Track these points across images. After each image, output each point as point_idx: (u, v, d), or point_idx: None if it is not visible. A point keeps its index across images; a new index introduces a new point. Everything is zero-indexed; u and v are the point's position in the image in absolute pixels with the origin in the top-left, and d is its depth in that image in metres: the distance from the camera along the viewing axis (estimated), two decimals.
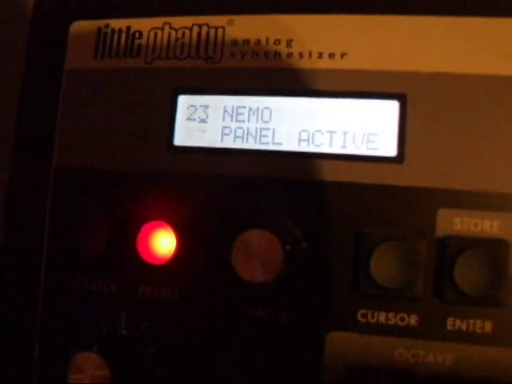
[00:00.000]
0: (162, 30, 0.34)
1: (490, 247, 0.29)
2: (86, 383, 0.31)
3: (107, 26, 0.35)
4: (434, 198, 0.29)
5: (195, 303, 0.32)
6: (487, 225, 0.31)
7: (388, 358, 0.32)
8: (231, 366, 0.32)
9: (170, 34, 0.33)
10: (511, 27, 0.30)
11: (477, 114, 0.29)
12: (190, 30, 0.34)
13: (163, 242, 0.33)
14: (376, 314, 0.31)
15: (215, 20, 0.33)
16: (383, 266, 0.31)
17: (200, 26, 0.34)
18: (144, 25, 0.34)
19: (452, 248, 0.31)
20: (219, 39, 0.33)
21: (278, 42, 0.33)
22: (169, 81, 0.33)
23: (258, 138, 0.32)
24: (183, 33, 0.34)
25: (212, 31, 0.33)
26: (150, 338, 0.34)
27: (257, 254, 0.28)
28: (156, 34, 0.33)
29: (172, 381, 0.34)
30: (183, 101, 0.32)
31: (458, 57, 0.31)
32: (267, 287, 0.30)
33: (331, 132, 0.32)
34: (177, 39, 0.34)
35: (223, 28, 0.33)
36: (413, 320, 0.32)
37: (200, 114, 0.33)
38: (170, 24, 0.34)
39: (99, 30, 0.35)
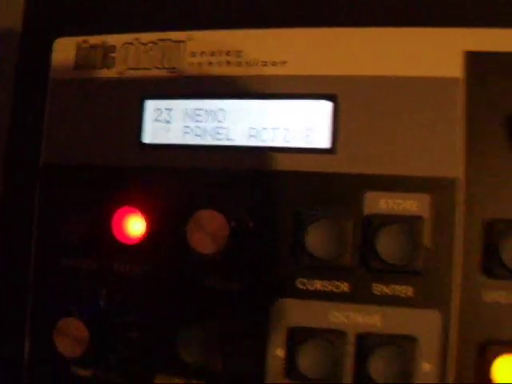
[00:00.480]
0: (133, 44, 0.37)
1: (408, 222, 0.32)
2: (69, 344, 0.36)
3: (85, 41, 0.38)
4: (362, 183, 0.33)
5: (162, 276, 0.35)
6: (406, 204, 0.36)
7: (324, 319, 0.37)
8: (191, 331, 0.37)
9: (139, 48, 0.36)
10: (414, 34, 0.37)
11: (394, 110, 0.33)
12: (156, 44, 0.37)
13: (134, 225, 0.36)
14: (312, 282, 0.36)
15: (177, 35, 0.36)
16: (317, 241, 0.36)
17: (164, 41, 0.37)
18: (117, 40, 0.37)
19: (375, 224, 0.34)
20: (180, 52, 0.37)
21: (229, 53, 0.36)
22: (138, 88, 0.36)
23: (213, 135, 0.35)
24: (150, 47, 0.37)
25: (174, 45, 0.37)
26: (124, 307, 0.38)
27: (206, 230, 0.31)
28: (127, 48, 0.37)
29: (142, 344, 0.39)
30: (150, 105, 0.36)
31: (378, 61, 0.35)
32: (217, 257, 0.34)
33: (275, 128, 0.35)
34: (145, 52, 0.37)
35: (184, 42, 0.38)
36: (344, 287, 0.35)
37: (165, 116, 0.36)
38: (139, 39, 0.37)
39: (78, 45, 0.39)
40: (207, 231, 0.32)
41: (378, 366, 0.33)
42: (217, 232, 0.32)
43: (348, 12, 0.35)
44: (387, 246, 0.33)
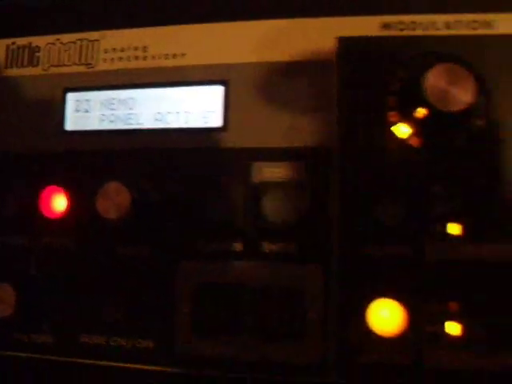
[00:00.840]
0: (55, 44, 0.41)
1: (288, 187, 0.36)
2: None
3: (13, 43, 0.42)
4: (250, 155, 0.36)
5: (81, 246, 0.38)
6: (287, 171, 0.40)
7: (222, 276, 0.41)
8: (108, 295, 0.41)
9: (60, 48, 0.40)
10: (291, 25, 0.41)
11: (276, 91, 0.37)
12: (75, 43, 0.41)
13: (58, 202, 0.43)
14: (210, 244, 0.39)
15: (92, 35, 0.40)
16: (214, 207, 0.41)
17: (81, 40, 0.41)
18: (41, 41, 0.40)
19: (261, 190, 0.37)
20: (95, 49, 0.41)
21: (136, 48, 0.41)
22: (60, 82, 0.40)
23: (125, 120, 0.38)
24: (70, 46, 0.40)
25: (90, 44, 0.41)
26: (52, 275, 0.43)
27: (112, 199, 0.35)
28: (50, 47, 0.40)
29: (69, 308, 0.43)
30: (71, 97, 0.40)
31: (262, 50, 0.38)
32: (122, 224, 0.38)
33: (177, 112, 0.39)
34: (65, 51, 0.41)
35: (98, 41, 0.41)
36: (239, 246, 0.40)
37: (84, 106, 0.39)
38: (60, 40, 0.40)
39: (7, 46, 0.44)
40: (113, 201, 0.37)
41: (270, 315, 0.38)
42: (120, 201, 0.36)
43: (235, 7, 0.40)
44: (272, 208, 0.38)
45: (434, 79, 0.32)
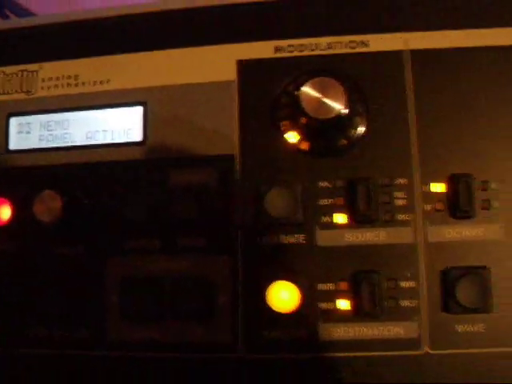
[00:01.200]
0: None
1: (200, 190, 0.41)
2: None
3: None
4: (167, 164, 0.43)
5: (23, 249, 0.45)
6: (200, 177, 0.46)
7: (144, 270, 0.46)
8: (47, 291, 0.47)
9: (4, 78, 0.47)
10: (198, 52, 0.47)
11: (187, 109, 0.43)
12: (17, 74, 0.48)
13: (3, 211, 0.49)
14: (132, 242, 0.44)
15: (31, 67, 0.47)
16: (134, 209, 0.47)
17: (22, 71, 0.48)
18: None
19: (177, 193, 0.43)
20: (34, 78, 0.48)
21: (69, 77, 0.47)
22: (4, 109, 0.46)
23: (61, 139, 0.45)
24: (12, 76, 0.48)
25: (30, 74, 0.48)
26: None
27: (46, 204, 0.43)
28: None
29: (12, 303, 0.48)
30: (14, 121, 0.45)
31: (174, 74, 0.45)
32: (56, 225, 0.44)
33: (104, 131, 0.47)
34: (8, 81, 0.48)
35: (37, 71, 0.49)
36: (158, 242, 0.45)
37: (25, 128, 0.46)
38: (4, 71, 0.47)
39: None
40: (47, 205, 0.42)
41: (186, 301, 0.43)
42: (53, 206, 0.42)
43: (150, 39, 0.46)
44: (185, 207, 0.43)
45: (309, 91, 0.38)
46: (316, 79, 0.39)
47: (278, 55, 0.43)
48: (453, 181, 0.40)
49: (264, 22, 0.43)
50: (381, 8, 0.42)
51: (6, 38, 0.46)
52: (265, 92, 0.43)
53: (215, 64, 0.43)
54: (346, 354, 0.40)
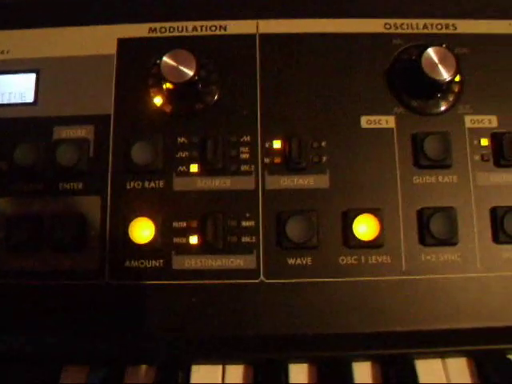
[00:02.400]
0: None
1: (78, 143, 0.49)
2: None
3: None
4: (52, 121, 0.50)
5: None
6: (81, 132, 0.55)
7: (29, 208, 0.54)
8: None
9: None
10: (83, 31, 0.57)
11: (72, 79, 0.54)
12: None
13: None
14: (18, 184, 0.54)
15: None
16: (24, 157, 0.55)
17: None
18: None
19: (57, 144, 0.54)
20: None
21: None
22: None
23: None
24: None
25: None
26: None
27: None
28: None
29: None
30: None
31: (63, 47, 0.57)
32: None
33: (3, 93, 0.53)
34: None
35: None
36: (41, 185, 0.54)
37: None
38: None
39: None
40: None
41: (58, 232, 0.49)
42: None
43: (52, 17, 0.55)
44: (66, 157, 0.50)
45: (167, 60, 0.47)
46: (174, 51, 0.48)
47: (152, 35, 0.52)
48: (288, 139, 0.49)
49: (140, 7, 0.52)
50: None
51: None
52: (139, 64, 0.51)
53: (99, 41, 0.52)
54: (195, 282, 0.48)
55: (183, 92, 0.49)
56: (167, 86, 0.48)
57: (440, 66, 0.47)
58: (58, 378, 0.49)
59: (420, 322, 0.47)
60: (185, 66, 0.47)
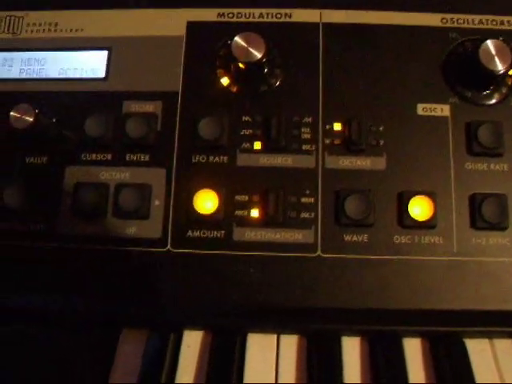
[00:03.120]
0: None
1: (147, 116, 0.52)
2: None
3: None
4: (122, 96, 0.53)
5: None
6: (149, 107, 0.57)
7: (96, 177, 0.56)
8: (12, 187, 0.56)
9: None
10: (159, 13, 0.60)
11: (142, 55, 0.54)
12: (5, 18, 0.57)
13: None
14: (90, 154, 0.57)
15: (19, 13, 0.58)
16: (93, 129, 0.57)
17: (10, 16, 0.59)
18: None
19: (126, 117, 0.56)
20: (20, 23, 0.58)
21: (50, 23, 0.57)
22: None
23: (38, 72, 0.57)
24: (1, 20, 0.57)
25: (16, 19, 0.57)
26: None
27: (21, 113, 0.50)
28: None
29: None
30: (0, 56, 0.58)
31: (134, 27, 0.58)
32: (27, 133, 0.53)
33: (76, 68, 0.56)
34: None
35: (23, 17, 0.59)
36: (108, 156, 0.57)
37: (8, 62, 0.57)
38: None
39: None
40: (21, 115, 0.50)
41: (124, 200, 0.52)
42: (26, 115, 0.51)
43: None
44: (135, 130, 0.53)
45: (238, 41, 0.50)
46: (244, 33, 0.50)
47: (220, 19, 0.55)
48: (348, 122, 0.51)
49: None
50: None
51: None
52: (206, 46, 0.54)
53: (169, 23, 0.55)
54: (254, 253, 0.50)
55: (250, 73, 0.51)
56: (235, 65, 0.51)
57: (496, 58, 0.50)
58: (116, 341, 0.51)
59: (469, 301, 0.49)
60: (254, 48, 0.50)
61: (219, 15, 0.55)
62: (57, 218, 0.52)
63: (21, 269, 0.51)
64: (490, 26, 0.54)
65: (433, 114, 0.52)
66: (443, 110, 0.52)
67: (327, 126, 0.52)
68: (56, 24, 0.56)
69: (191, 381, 0.48)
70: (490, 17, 0.54)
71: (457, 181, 0.51)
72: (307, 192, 0.51)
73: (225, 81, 0.53)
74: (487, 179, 0.51)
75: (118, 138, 0.52)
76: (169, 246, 0.50)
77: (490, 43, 0.50)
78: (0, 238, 0.52)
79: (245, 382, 0.47)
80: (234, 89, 0.53)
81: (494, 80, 0.52)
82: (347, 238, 0.50)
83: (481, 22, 0.54)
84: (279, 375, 0.48)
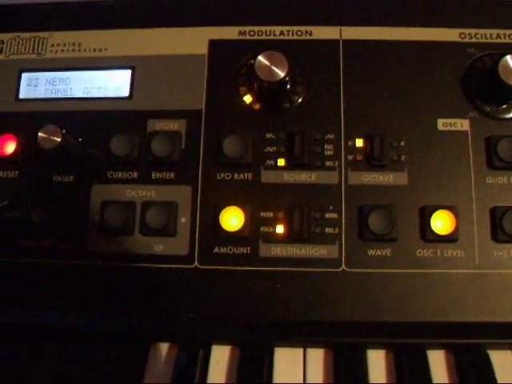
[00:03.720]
0: (15, 39, 0.61)
1: (172, 135, 0.53)
2: None
3: None
4: (147, 114, 0.54)
5: (25, 175, 0.57)
6: (173, 125, 0.57)
7: (123, 195, 0.58)
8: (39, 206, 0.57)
9: (19, 42, 0.58)
10: (180, 32, 0.61)
11: (165, 74, 0.55)
12: (30, 39, 0.59)
13: (9, 145, 0.60)
14: (116, 173, 0.58)
15: (43, 34, 0.59)
16: (117, 147, 0.58)
17: (35, 37, 0.60)
18: (5, 36, 0.59)
19: (152, 135, 0.56)
20: (44, 43, 0.59)
21: (73, 44, 0.59)
22: (17, 65, 0.57)
23: (63, 92, 0.58)
24: (26, 40, 0.59)
25: (41, 40, 0.59)
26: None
27: (48, 134, 0.50)
28: (12, 41, 0.58)
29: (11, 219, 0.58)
30: (25, 76, 0.57)
31: (157, 46, 0.58)
32: (54, 153, 0.54)
33: (100, 88, 0.57)
34: (22, 44, 0.59)
35: (47, 38, 0.60)
36: (134, 175, 0.57)
37: (34, 82, 0.57)
38: (19, 36, 0.59)
39: None
40: (49, 135, 0.51)
41: (151, 218, 0.53)
42: (54, 136, 0.52)
43: (143, 19, 0.59)
44: (160, 148, 0.54)
45: (261, 60, 0.51)
46: (267, 51, 0.51)
47: (241, 37, 0.56)
48: (370, 138, 0.52)
49: (231, 10, 0.56)
50: (322, 4, 0.56)
51: (24, 10, 0.58)
52: (228, 64, 0.55)
53: (192, 41, 0.56)
54: (280, 269, 0.51)
55: (273, 91, 0.52)
56: (259, 84, 0.52)
57: None
58: (144, 358, 0.52)
59: (491, 313, 0.50)
60: (277, 67, 0.51)
61: (240, 33, 0.56)
62: (84, 236, 0.53)
63: (48, 286, 0.53)
64: (508, 41, 0.55)
65: (453, 128, 0.53)
66: (463, 124, 0.53)
67: (349, 143, 0.53)
68: (80, 44, 0.57)
69: None
70: (508, 31, 0.55)
71: (478, 194, 0.52)
72: (331, 208, 0.52)
73: (247, 98, 0.54)
74: (508, 192, 0.52)
75: (144, 156, 0.53)
76: (196, 263, 0.51)
77: (509, 58, 0.51)
78: (27, 256, 0.53)
79: None
80: (257, 106, 0.54)
81: None
82: (371, 252, 0.51)
83: (499, 36, 0.55)
84: None
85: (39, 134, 0.51)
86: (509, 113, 0.53)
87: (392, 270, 0.51)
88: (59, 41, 0.57)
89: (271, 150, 0.53)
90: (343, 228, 0.51)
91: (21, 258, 0.53)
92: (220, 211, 0.51)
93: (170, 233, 0.51)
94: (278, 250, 0.51)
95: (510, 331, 0.50)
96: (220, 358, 0.51)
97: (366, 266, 0.51)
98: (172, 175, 0.53)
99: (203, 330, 0.51)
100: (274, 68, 0.51)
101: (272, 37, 0.56)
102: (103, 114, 0.55)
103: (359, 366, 0.50)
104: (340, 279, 0.51)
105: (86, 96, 0.56)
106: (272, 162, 0.53)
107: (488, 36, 0.55)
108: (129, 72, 0.56)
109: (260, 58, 0.51)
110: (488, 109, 0.54)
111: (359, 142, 0.53)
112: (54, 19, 0.58)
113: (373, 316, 0.50)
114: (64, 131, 0.51)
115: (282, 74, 0.51)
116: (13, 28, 0.58)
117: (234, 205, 0.51)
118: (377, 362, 0.51)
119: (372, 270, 0.51)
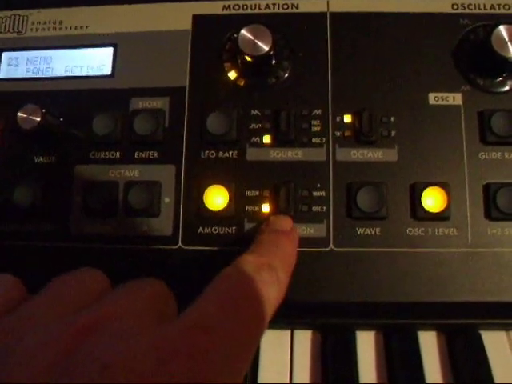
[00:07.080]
0: None
1: (155, 113, 0.52)
2: None
3: None
4: (129, 93, 0.53)
5: (6, 159, 0.57)
6: (156, 103, 0.56)
7: (106, 175, 0.57)
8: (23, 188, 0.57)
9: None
10: (164, 7, 0.59)
11: (147, 50, 0.54)
12: (10, 17, 0.58)
13: None
14: (99, 152, 0.57)
15: (23, 12, 0.58)
16: (101, 127, 0.57)
17: (15, 15, 0.59)
18: None
19: (134, 114, 0.54)
20: (25, 22, 0.59)
21: (54, 22, 0.58)
22: None
23: (43, 71, 0.57)
24: (6, 19, 0.57)
25: (21, 18, 0.58)
26: None
27: (28, 113, 0.50)
28: None
29: None
30: (5, 56, 0.55)
31: (138, 22, 0.57)
32: (34, 133, 0.54)
33: (82, 66, 0.57)
34: (2, 23, 0.58)
35: (27, 16, 0.60)
36: (117, 153, 0.57)
37: (14, 61, 0.56)
38: None
39: None
40: (28, 115, 0.50)
41: (134, 198, 0.52)
42: (33, 115, 0.51)
43: None
44: (142, 127, 0.53)
45: (245, 34, 0.49)
46: (251, 25, 0.50)
47: (226, 12, 0.54)
48: (358, 113, 0.51)
49: None
50: None
51: None
52: (212, 40, 0.53)
53: (175, 17, 0.54)
54: None
55: (257, 66, 0.51)
56: (243, 59, 0.50)
57: (509, 44, 0.49)
58: None
59: (484, 293, 0.49)
60: (261, 41, 0.49)
61: (224, 8, 0.54)
62: (67, 218, 0.52)
63: (32, 269, 0.52)
64: (502, 11, 0.53)
65: (445, 102, 0.52)
66: (455, 98, 0.52)
67: (337, 118, 0.51)
68: (61, 22, 0.56)
69: None
70: (502, 1, 0.53)
71: (470, 171, 0.50)
72: (318, 185, 0.50)
73: (232, 74, 0.52)
74: (501, 168, 0.50)
75: (126, 135, 0.52)
76: (180, 244, 0.50)
77: (502, 29, 0.49)
78: (11, 239, 0.52)
79: (259, 380, 0.48)
80: (242, 82, 0.52)
81: (506, 67, 0.51)
82: (360, 231, 0.50)
83: (492, 6, 0.53)
84: (293, 371, 0.48)
85: (18, 113, 0.50)
86: (503, 86, 0.52)
87: (382, 249, 0.50)
88: (40, 19, 0.56)
89: (256, 126, 0.51)
90: (331, 206, 0.50)
91: (3, 240, 0.52)
92: (204, 190, 0.50)
93: (154, 213, 0.50)
94: None
95: (503, 311, 0.49)
96: None
97: (354, 245, 0.50)
98: (155, 154, 0.52)
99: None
100: (257, 42, 0.49)
101: (257, 10, 0.54)
102: (85, 92, 0.54)
103: (348, 347, 0.49)
104: (328, 259, 0.50)
105: (67, 75, 0.55)
106: (257, 139, 0.51)
107: (481, 6, 0.53)
108: (111, 50, 0.54)
109: (243, 31, 0.49)
110: (481, 82, 0.52)
111: (347, 118, 0.51)
112: None
113: (362, 296, 0.49)
114: (44, 110, 0.50)
115: (266, 48, 0.49)
116: None
117: (218, 184, 0.50)
118: (366, 344, 0.50)
119: (361, 249, 0.50)
